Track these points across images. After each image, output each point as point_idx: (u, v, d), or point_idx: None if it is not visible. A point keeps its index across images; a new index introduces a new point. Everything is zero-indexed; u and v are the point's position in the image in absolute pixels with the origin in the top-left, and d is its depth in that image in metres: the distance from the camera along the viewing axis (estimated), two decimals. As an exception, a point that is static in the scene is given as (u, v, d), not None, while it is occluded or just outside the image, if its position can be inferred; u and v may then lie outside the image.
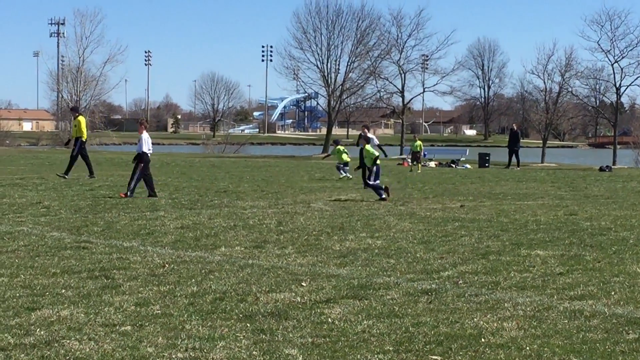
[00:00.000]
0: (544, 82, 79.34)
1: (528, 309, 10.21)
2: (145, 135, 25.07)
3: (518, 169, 53.02)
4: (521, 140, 57.98)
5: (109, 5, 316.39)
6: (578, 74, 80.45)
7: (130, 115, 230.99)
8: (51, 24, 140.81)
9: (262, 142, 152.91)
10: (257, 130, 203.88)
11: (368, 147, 27.43)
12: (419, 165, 47.68)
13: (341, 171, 38.61)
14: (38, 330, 8.81)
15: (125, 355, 7.97)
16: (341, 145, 40.50)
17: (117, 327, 8.98)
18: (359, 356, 8.09)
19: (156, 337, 8.63)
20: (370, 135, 30.60)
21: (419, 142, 48.79)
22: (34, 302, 10.08)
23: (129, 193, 24.18)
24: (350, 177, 36.81)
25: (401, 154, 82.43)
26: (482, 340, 8.74)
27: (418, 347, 8.44)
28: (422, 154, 49.52)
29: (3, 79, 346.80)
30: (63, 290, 10.82)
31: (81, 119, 34.46)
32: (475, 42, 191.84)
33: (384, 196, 24.63)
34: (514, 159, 55.36)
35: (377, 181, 25.59)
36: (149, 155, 24.99)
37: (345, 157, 38.67)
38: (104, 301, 10.23)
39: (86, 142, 34.33)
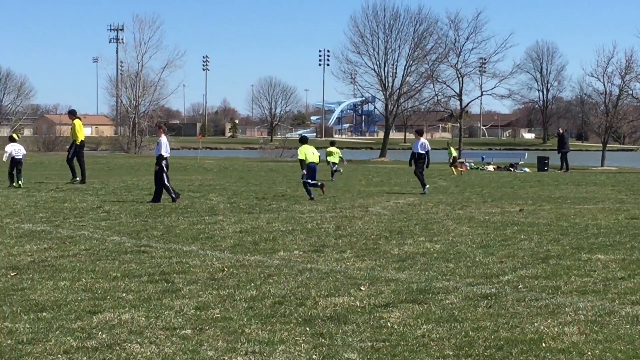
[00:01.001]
0: (604, 85, 78.73)
1: (589, 313, 10.12)
2: (164, 139, 25.19)
3: (562, 172, 52.59)
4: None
5: (167, 11, 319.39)
6: (639, 77, 79.65)
7: (189, 120, 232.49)
8: (110, 29, 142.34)
9: (319, 146, 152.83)
10: (315, 134, 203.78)
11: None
12: (454, 169, 48.32)
13: (334, 168, 41.08)
14: (100, 333, 8.89)
15: (186, 359, 8.01)
16: (335, 147, 42.88)
17: (178, 331, 9.03)
18: (418, 360, 8.08)
19: (216, 340, 8.67)
20: (422, 139, 30.37)
21: (452, 149, 50.68)
22: (95, 306, 10.18)
23: (173, 196, 24.31)
24: (341, 171, 41.28)
25: (459, 158, 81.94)
26: (543, 345, 8.67)
27: (478, 351, 8.40)
28: (456, 158, 51.20)
29: (64, 85, 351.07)
30: (124, 294, 10.91)
31: (75, 122, 33.45)
32: (533, 45, 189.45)
33: (312, 197, 25.88)
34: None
35: (309, 180, 26.53)
36: (167, 158, 25.08)
37: (334, 158, 41.05)
38: (164, 305, 10.30)
39: (82, 146, 33.29)
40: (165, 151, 24.92)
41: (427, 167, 30.30)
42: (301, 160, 26.96)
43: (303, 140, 29.14)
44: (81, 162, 32.96)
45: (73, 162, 33.09)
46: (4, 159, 31.40)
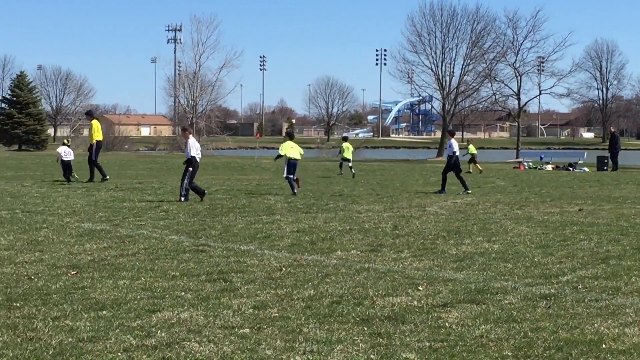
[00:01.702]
0: (665, 83, 77.59)
1: (650, 314, 10.01)
2: (191, 140, 25.40)
3: (610, 171, 52.01)
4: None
5: (224, 11, 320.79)
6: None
7: (246, 120, 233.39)
8: (168, 30, 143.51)
9: (376, 146, 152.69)
10: (371, 134, 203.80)
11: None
12: (473, 166, 49.44)
13: (342, 168, 43.72)
14: (159, 332, 8.96)
15: (245, 358, 8.05)
16: (349, 142, 45.10)
17: (236, 330, 9.08)
18: (477, 361, 8.04)
19: (274, 339, 8.70)
20: (452, 141, 30.37)
21: (471, 147, 51.00)
22: (154, 305, 10.26)
23: (182, 199, 24.37)
24: (354, 172, 41.55)
25: (517, 157, 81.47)
26: (603, 346, 8.60)
27: (537, 352, 8.34)
28: (475, 156, 51.20)
29: (122, 85, 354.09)
30: (182, 293, 10.99)
31: (93, 123, 33.81)
32: (592, 44, 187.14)
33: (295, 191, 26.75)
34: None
35: (291, 176, 27.31)
36: (197, 159, 25.19)
37: (348, 154, 43.65)
38: (222, 304, 10.36)
39: (99, 147, 33.57)
40: (195, 153, 25.08)
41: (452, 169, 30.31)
42: (279, 155, 27.82)
43: (289, 135, 30.35)
44: (96, 162, 33.23)
45: (98, 163, 33.41)
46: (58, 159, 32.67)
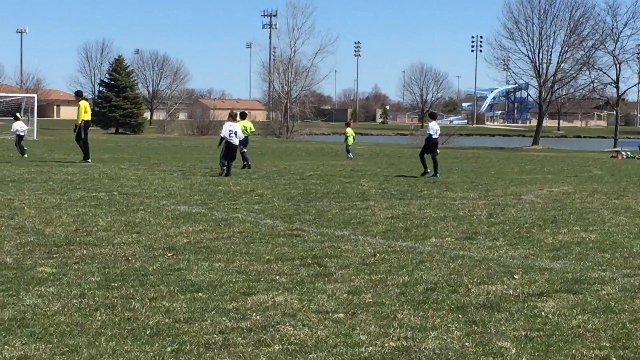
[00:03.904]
0: None
1: None
2: (227, 123, 29.06)
3: None
4: None
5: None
6: None
7: (340, 106, 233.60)
8: (264, 15, 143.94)
9: (470, 133, 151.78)
10: (466, 121, 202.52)
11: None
12: None
13: (350, 154, 45.11)
14: (254, 314, 9.02)
15: (339, 342, 8.06)
16: (351, 128, 46.89)
17: (330, 314, 9.09)
18: (573, 351, 7.92)
19: (369, 325, 8.69)
20: (432, 123, 31.31)
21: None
22: (249, 288, 10.33)
23: (223, 173, 27.77)
24: (352, 157, 44.37)
25: (614, 146, 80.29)
26: None
27: (636, 344, 8.20)
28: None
29: (218, 70, 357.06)
30: (277, 277, 11.04)
31: (81, 103, 33.70)
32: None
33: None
34: None
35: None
36: (230, 139, 28.25)
37: (350, 140, 45.68)
38: (316, 288, 10.38)
39: (86, 127, 33.38)
40: (225, 133, 28.40)
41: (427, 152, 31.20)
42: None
43: (242, 115, 33.59)
44: (85, 142, 33.43)
45: (86, 142, 33.62)
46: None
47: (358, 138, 56.61)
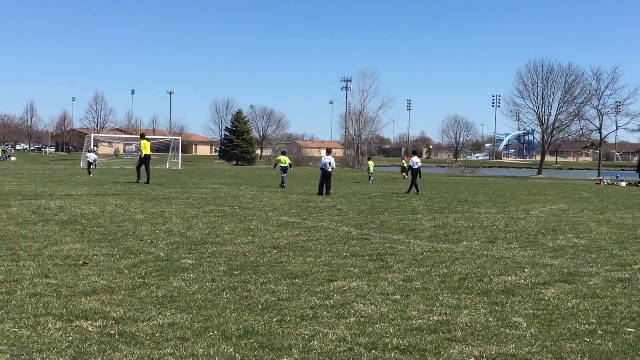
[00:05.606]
0: None
1: None
2: (323, 157, 29.21)
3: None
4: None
5: (382, 66, 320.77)
6: None
7: (396, 146, 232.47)
8: (342, 80, 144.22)
9: (491, 166, 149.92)
10: (488, 157, 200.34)
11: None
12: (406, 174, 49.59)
13: (371, 178, 46.03)
14: (335, 295, 8.99)
15: (396, 316, 8.00)
16: (372, 160, 48.77)
17: (390, 296, 9.03)
18: (569, 326, 7.76)
19: (418, 304, 8.62)
20: (415, 158, 32.13)
21: (404, 161, 52.61)
22: (331, 276, 10.30)
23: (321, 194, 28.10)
24: (373, 179, 45.58)
25: (598, 176, 78.85)
26: (667, 318, 8.19)
27: (616, 321, 8.01)
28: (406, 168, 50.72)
29: (309, 119, 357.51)
30: (352, 268, 11.00)
31: (142, 142, 33.46)
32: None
33: None
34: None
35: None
36: (325, 168, 28.51)
37: (371, 168, 47.04)
38: (380, 277, 10.32)
39: (147, 159, 33.09)
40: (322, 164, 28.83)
41: (420, 177, 32.33)
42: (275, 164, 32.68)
43: (283, 152, 35.95)
44: (147, 169, 33.24)
45: (140, 169, 33.80)
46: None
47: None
